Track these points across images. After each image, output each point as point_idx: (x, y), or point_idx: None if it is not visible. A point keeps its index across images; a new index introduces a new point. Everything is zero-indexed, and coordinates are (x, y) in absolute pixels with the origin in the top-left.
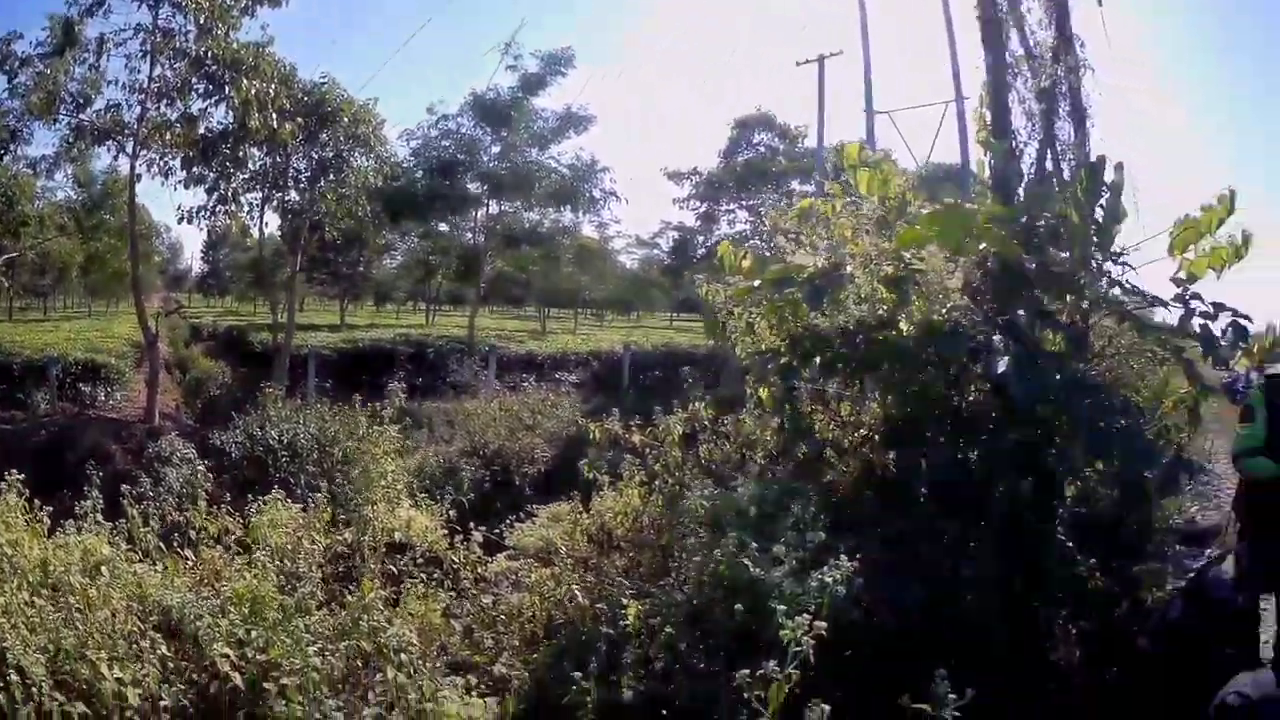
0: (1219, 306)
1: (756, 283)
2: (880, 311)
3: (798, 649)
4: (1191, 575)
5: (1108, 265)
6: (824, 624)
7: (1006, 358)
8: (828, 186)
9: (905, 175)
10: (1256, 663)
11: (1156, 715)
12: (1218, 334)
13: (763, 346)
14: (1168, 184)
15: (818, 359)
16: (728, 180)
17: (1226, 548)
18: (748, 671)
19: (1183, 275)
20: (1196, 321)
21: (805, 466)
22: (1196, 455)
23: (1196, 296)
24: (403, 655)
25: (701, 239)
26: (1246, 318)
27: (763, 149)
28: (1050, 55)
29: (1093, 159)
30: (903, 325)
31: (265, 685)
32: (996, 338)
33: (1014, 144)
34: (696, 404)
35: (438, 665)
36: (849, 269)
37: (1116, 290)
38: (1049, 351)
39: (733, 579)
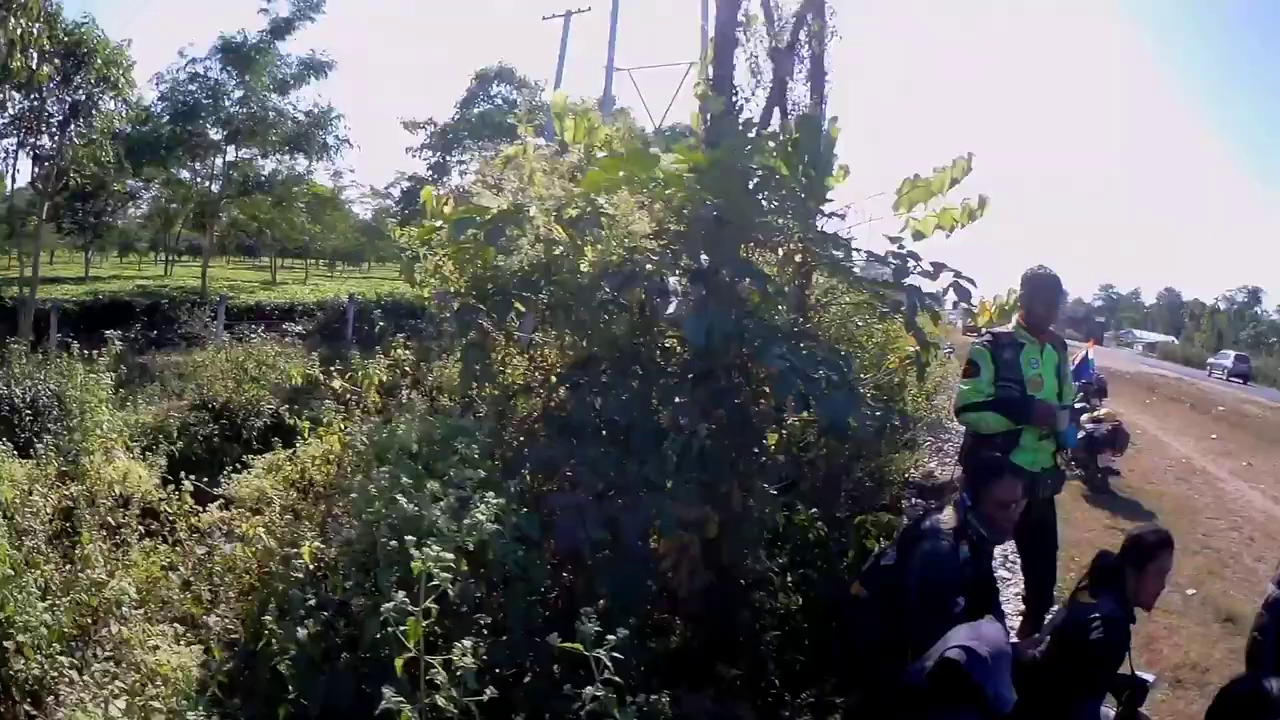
0: (939, 266)
1: (440, 224)
2: (557, 252)
3: (433, 583)
4: (906, 524)
5: (822, 220)
6: (450, 556)
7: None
8: (521, 129)
9: (620, 127)
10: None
11: (870, 667)
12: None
13: (450, 289)
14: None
15: (498, 299)
16: (462, 131)
17: (949, 498)
18: (391, 605)
19: (908, 233)
20: (921, 280)
21: (491, 406)
22: (936, 412)
23: (913, 255)
24: (124, 609)
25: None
26: (970, 280)
27: (500, 101)
28: (794, 18)
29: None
30: (583, 266)
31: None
32: (674, 281)
33: (734, 100)
34: (398, 350)
35: (159, 618)
36: (532, 210)
37: (831, 245)
38: (738, 297)
39: (391, 517)
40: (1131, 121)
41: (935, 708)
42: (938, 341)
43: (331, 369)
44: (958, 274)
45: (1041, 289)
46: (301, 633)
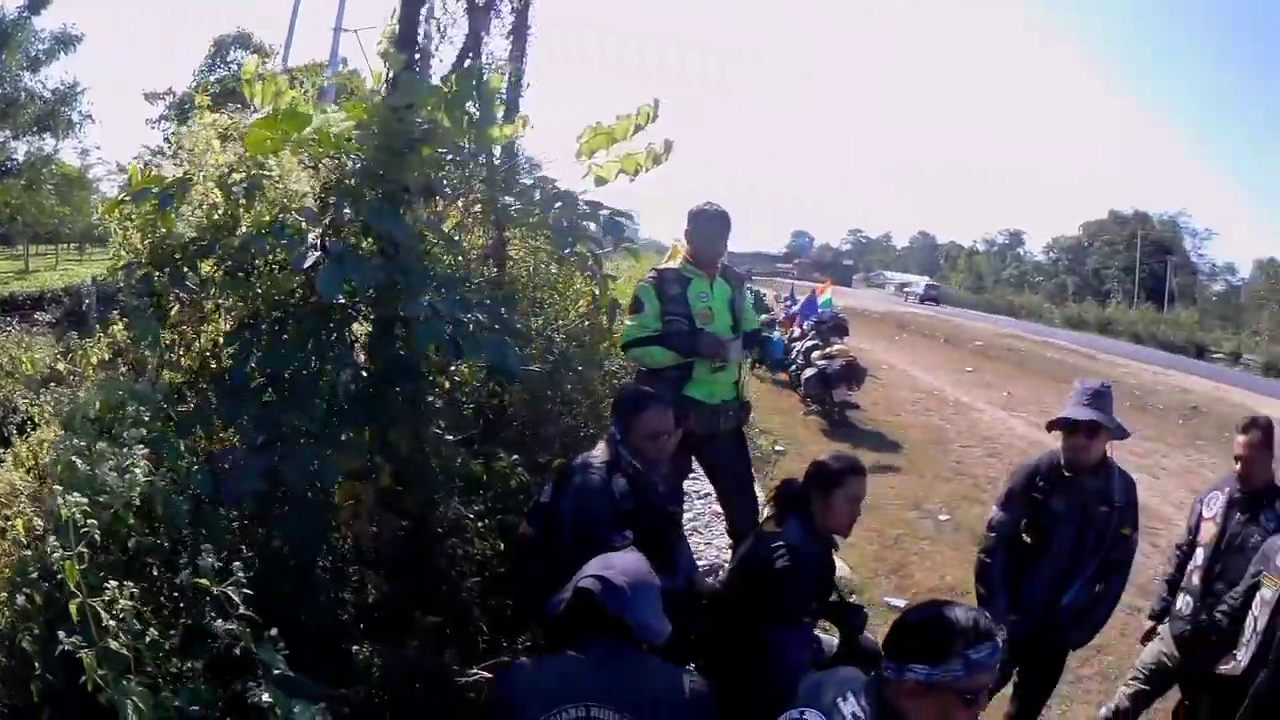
0: (596, 205)
1: (126, 197)
2: (217, 216)
3: (81, 528)
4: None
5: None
6: (84, 500)
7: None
8: (198, 99)
9: (306, 89)
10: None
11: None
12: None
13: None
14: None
15: (172, 265)
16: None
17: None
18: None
19: (590, 179)
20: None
21: (165, 369)
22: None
23: (572, 195)
24: None
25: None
26: (626, 215)
27: (236, 67)
28: None
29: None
30: (243, 228)
31: None
32: (332, 238)
33: (417, 57)
34: (113, 326)
35: None
36: (201, 176)
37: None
38: (394, 249)
39: (69, 478)
40: (885, 71)
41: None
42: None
43: (57, 354)
44: (614, 211)
45: (705, 225)
46: (20, 600)
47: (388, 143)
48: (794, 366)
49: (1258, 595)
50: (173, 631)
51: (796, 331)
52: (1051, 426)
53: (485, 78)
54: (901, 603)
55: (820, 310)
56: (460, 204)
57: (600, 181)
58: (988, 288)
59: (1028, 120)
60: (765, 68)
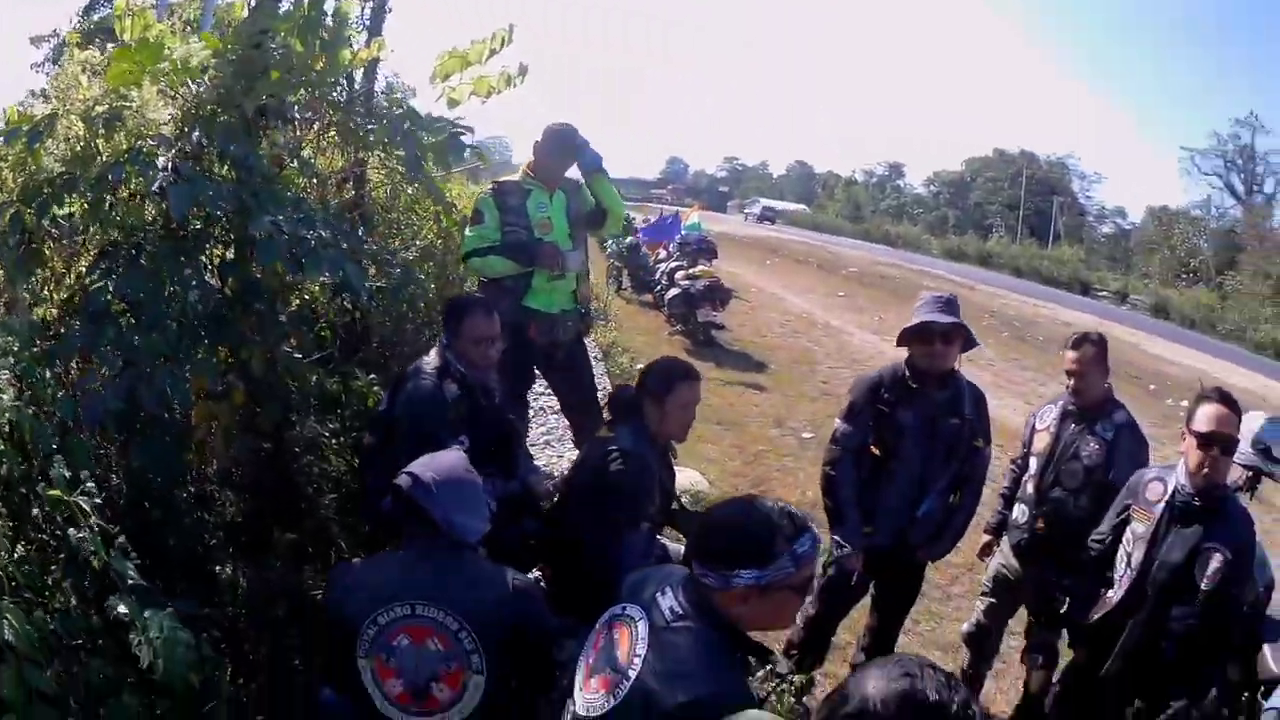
0: (436, 119)
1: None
2: (79, 149)
3: None
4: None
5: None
6: None
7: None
8: (67, 37)
9: (174, 23)
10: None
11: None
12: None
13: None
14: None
15: (39, 200)
16: (87, 41)
17: None
18: None
19: (444, 102)
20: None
21: (33, 301)
22: None
23: (416, 114)
24: None
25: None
26: (467, 129)
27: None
28: None
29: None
30: (102, 159)
31: None
32: (186, 163)
33: None
34: None
35: None
36: (65, 110)
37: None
38: (246, 172)
39: None
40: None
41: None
42: (454, 205)
43: None
44: (453, 125)
45: (548, 140)
46: None
47: (241, 69)
48: (659, 287)
49: (1128, 530)
50: (41, 553)
51: (663, 254)
52: (908, 333)
53: (338, 2)
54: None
55: (686, 233)
56: (315, 128)
57: (452, 103)
58: (865, 218)
59: (910, 54)
60: None
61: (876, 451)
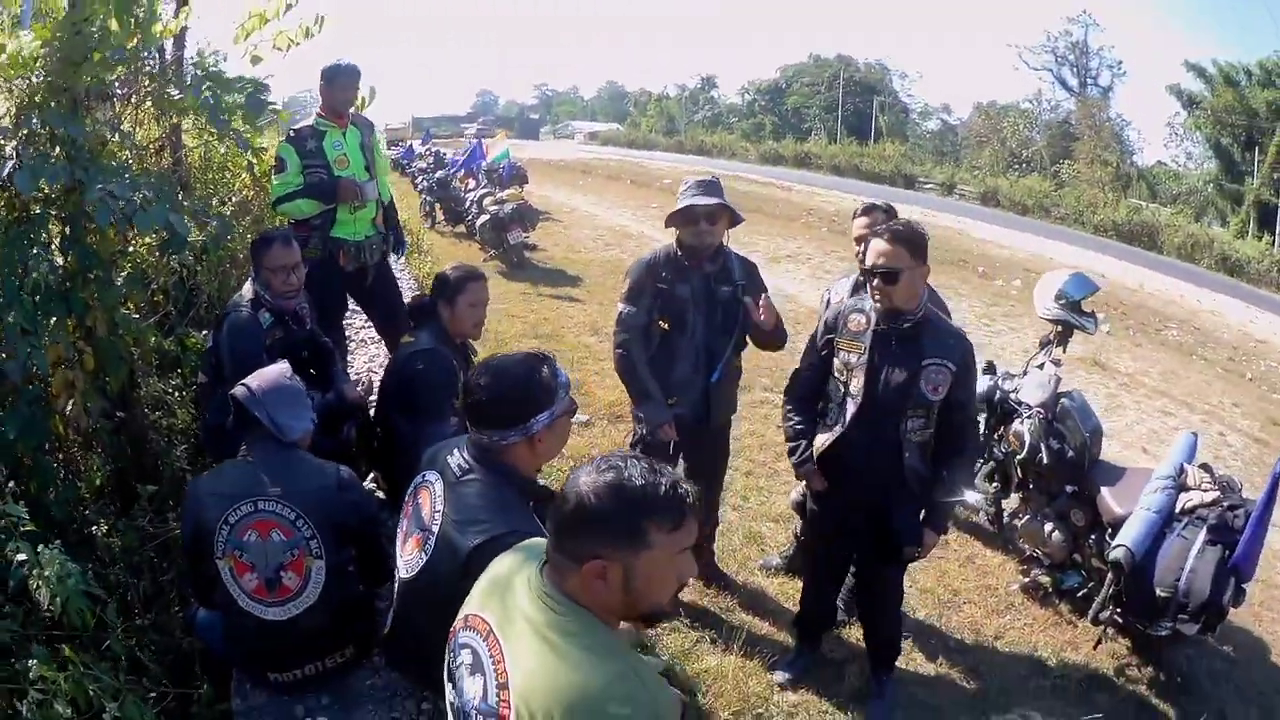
0: (231, 80)
1: None
2: None
3: None
4: None
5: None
6: None
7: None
8: None
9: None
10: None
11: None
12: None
13: None
14: None
15: None
16: None
17: None
18: None
19: (248, 59)
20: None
21: None
22: None
23: (219, 74)
24: None
25: None
26: (265, 86)
27: None
28: None
29: None
30: None
31: None
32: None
33: None
34: None
35: None
36: None
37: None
38: (74, 148)
39: None
40: None
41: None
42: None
43: None
44: (256, 83)
45: (330, 78)
46: None
47: (67, 55)
48: (469, 216)
49: (836, 361)
50: None
51: (471, 183)
52: (675, 216)
53: None
54: (584, 419)
55: (494, 162)
56: (133, 101)
57: (255, 60)
58: (679, 130)
59: None
60: None
61: (664, 326)
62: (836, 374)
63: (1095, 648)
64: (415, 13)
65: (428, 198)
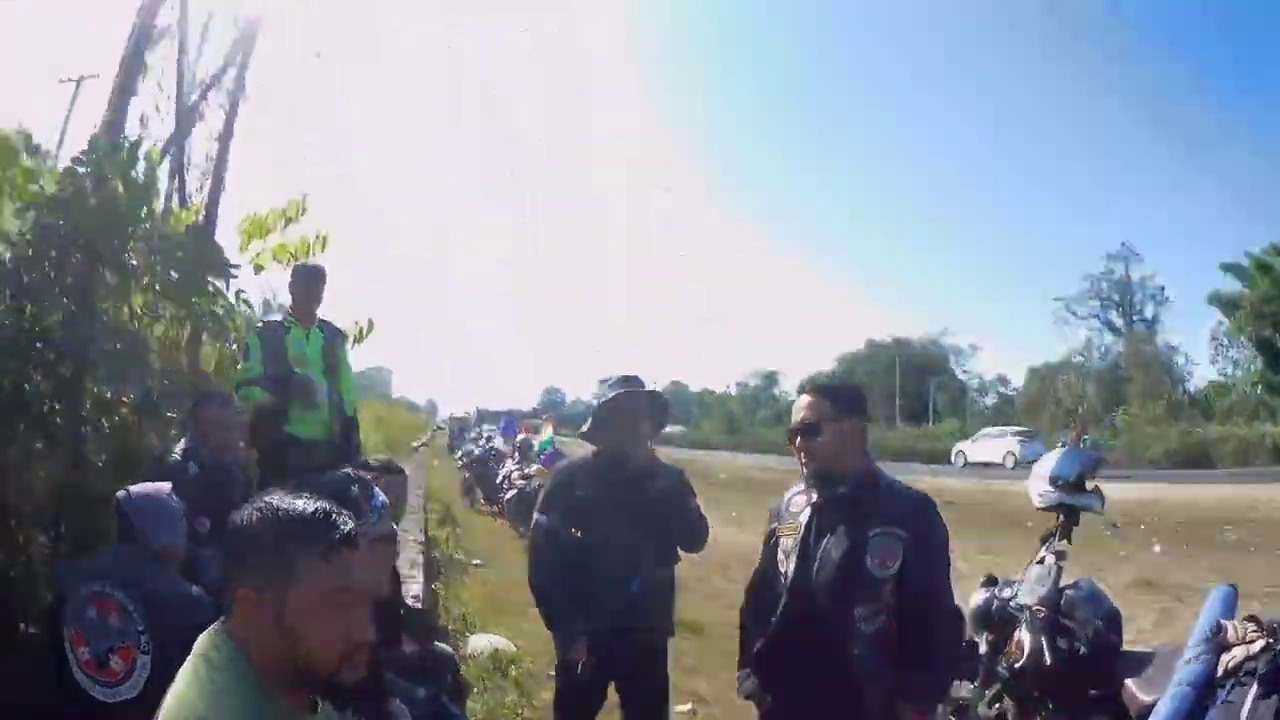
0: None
1: None
2: None
3: None
4: None
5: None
6: None
7: None
8: None
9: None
10: None
11: None
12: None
13: None
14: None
15: None
16: None
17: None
18: None
19: (251, 267)
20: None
21: None
22: None
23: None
24: None
25: None
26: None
27: None
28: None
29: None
30: None
31: None
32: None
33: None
34: None
35: None
36: None
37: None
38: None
39: None
40: (624, 230)
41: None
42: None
43: None
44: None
45: (298, 280)
46: None
47: (76, 205)
48: (500, 493)
49: (779, 552)
50: None
51: (509, 463)
52: (604, 412)
53: (144, 148)
54: None
55: (541, 448)
56: (146, 280)
57: (258, 269)
58: (741, 429)
59: (774, 264)
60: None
61: (578, 535)
62: (779, 566)
63: None
64: (481, 304)
65: (468, 474)
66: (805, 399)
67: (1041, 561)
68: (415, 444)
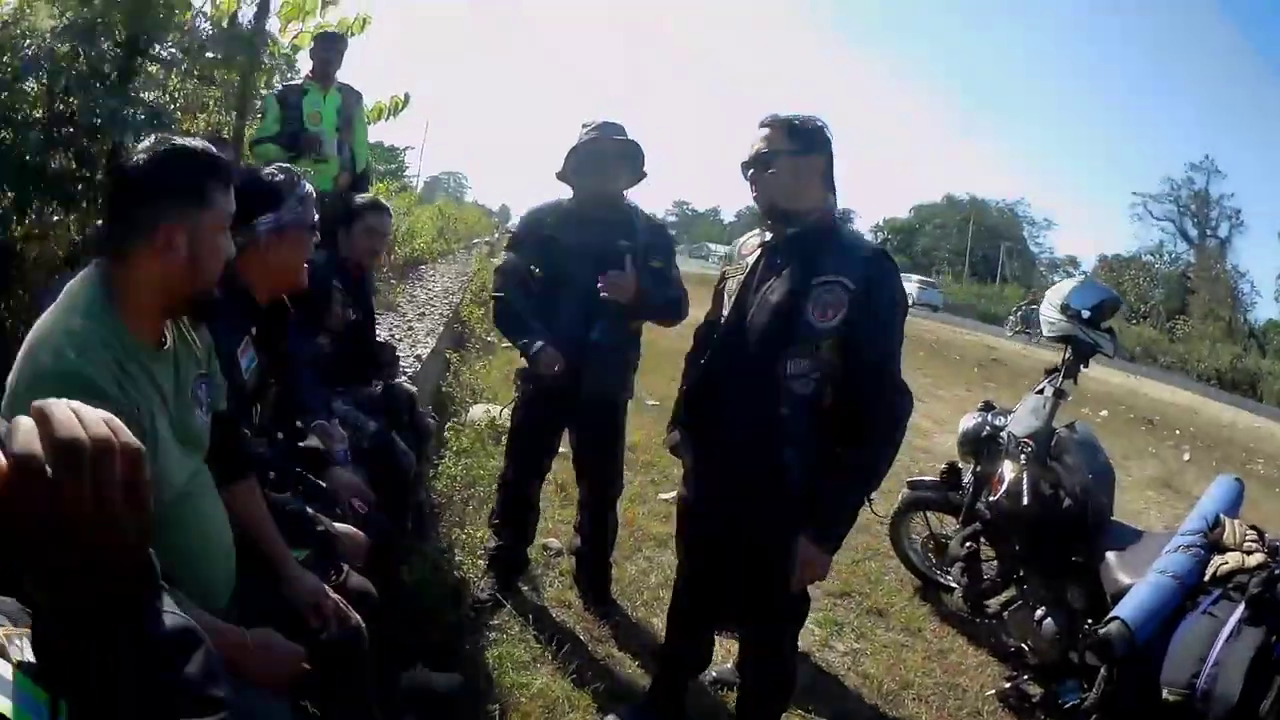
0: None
1: None
2: None
3: None
4: None
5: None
6: None
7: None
8: None
9: None
10: None
11: None
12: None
13: None
14: None
15: None
16: None
17: None
18: None
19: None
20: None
21: None
22: None
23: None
24: None
25: None
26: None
27: None
28: None
29: None
30: None
31: None
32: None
33: None
34: None
35: None
36: None
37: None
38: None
39: None
40: (717, 50)
41: None
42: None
43: None
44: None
45: (319, 45)
46: None
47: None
48: None
49: (725, 296)
50: None
51: None
52: (575, 156)
53: None
54: None
55: None
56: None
57: (296, 49)
58: None
59: (862, 101)
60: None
61: (537, 272)
62: (723, 310)
63: None
64: (566, 109)
65: None
66: (761, 131)
67: (1040, 392)
68: (475, 240)
